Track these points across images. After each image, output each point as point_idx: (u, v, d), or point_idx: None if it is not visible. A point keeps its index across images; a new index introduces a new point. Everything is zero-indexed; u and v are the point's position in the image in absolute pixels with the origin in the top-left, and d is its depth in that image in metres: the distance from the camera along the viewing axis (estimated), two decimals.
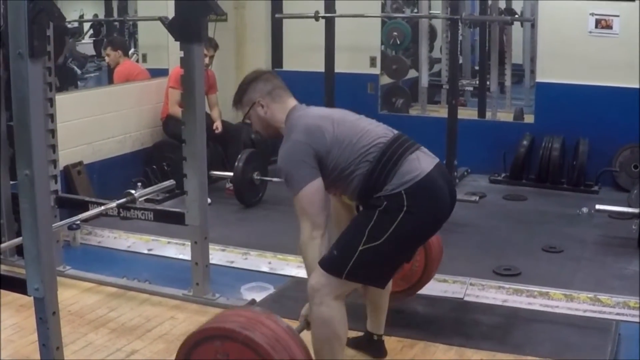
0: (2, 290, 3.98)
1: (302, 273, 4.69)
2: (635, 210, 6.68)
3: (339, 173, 3.80)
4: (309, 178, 3.75)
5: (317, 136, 3.81)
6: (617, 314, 5.24)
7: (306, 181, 3.74)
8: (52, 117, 5.39)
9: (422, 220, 3.75)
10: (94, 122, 7.71)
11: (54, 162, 5.54)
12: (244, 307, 3.87)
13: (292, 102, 4.08)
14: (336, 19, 8.59)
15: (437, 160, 3.91)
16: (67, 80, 9.26)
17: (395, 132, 3.96)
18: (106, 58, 8.85)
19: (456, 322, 5.12)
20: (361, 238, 3.69)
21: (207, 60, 8.04)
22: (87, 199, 6.03)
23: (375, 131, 3.89)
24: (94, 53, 10.89)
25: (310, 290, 3.77)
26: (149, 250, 6.64)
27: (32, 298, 3.61)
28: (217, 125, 8.38)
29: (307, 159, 3.77)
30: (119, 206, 5.59)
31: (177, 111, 7.17)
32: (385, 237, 3.66)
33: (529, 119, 9.67)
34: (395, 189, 3.69)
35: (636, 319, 5.15)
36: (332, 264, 3.73)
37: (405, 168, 3.74)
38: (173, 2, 5.03)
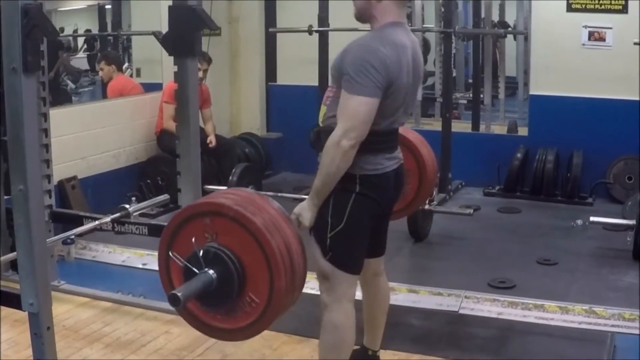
0: None
1: None
2: (630, 222, 6.68)
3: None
4: (369, 92, 3.56)
5: (396, 72, 3.66)
6: (613, 325, 5.23)
7: (365, 93, 3.56)
8: (46, 131, 5.39)
9: (371, 203, 3.79)
10: (88, 136, 7.71)
11: (48, 177, 5.53)
12: (235, 188, 3.79)
13: (401, 16, 3.87)
14: (330, 33, 8.61)
15: (401, 162, 3.99)
16: (59, 97, 9.24)
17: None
18: (100, 72, 8.85)
19: (451, 335, 5.12)
20: (326, 227, 3.74)
21: (200, 74, 8.04)
22: (81, 213, 6.02)
23: (399, 115, 3.85)
24: (88, 67, 10.89)
25: (320, 298, 3.85)
26: (144, 264, 6.62)
27: (26, 313, 3.61)
28: (211, 140, 8.38)
29: (383, 74, 3.58)
30: (113, 221, 5.57)
31: (171, 126, 7.16)
32: (345, 219, 3.71)
33: (522, 131, 9.68)
34: (354, 170, 3.70)
35: (632, 331, 5.15)
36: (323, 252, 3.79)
37: (376, 159, 3.78)
38: (167, 16, 5.03)
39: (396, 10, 3.82)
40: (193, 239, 3.37)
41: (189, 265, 3.37)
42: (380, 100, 3.60)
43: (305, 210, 3.75)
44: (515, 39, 11.98)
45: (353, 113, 3.56)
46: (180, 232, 3.43)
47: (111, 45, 10.15)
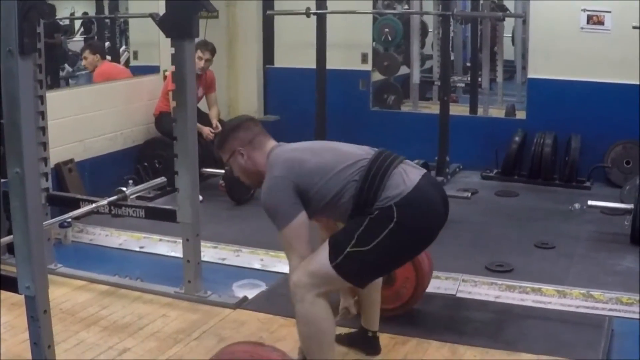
0: None
1: None
2: (628, 206, 6.69)
3: (327, 201, 3.80)
4: (293, 213, 3.74)
5: (296, 168, 3.81)
6: (610, 309, 5.24)
7: (291, 217, 3.74)
8: (42, 114, 5.37)
9: (412, 233, 3.75)
10: (85, 119, 7.69)
11: (45, 160, 5.52)
12: (248, 342, 3.82)
13: (271, 143, 4.06)
14: (327, 15, 8.59)
15: (423, 171, 3.91)
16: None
17: (377, 149, 3.97)
18: (83, 61, 8.82)
19: (449, 318, 5.12)
20: (350, 240, 3.70)
21: (202, 63, 8.01)
22: (78, 196, 6.02)
23: (357, 153, 3.90)
24: None
25: (292, 286, 3.77)
26: (141, 247, 6.62)
27: (23, 296, 3.59)
28: (217, 124, 8.31)
29: (289, 193, 3.76)
30: (110, 204, 5.57)
31: None
32: (373, 244, 3.66)
33: (520, 115, 9.67)
34: (386, 203, 3.69)
35: (629, 315, 5.16)
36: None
37: (393, 182, 3.74)
38: None
39: (265, 141, 4.05)
40: None
41: None
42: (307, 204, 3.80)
43: None
44: (514, 22, 11.96)
45: (295, 240, 3.80)
46: None
47: (108, 28, 10.12)
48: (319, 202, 3.80)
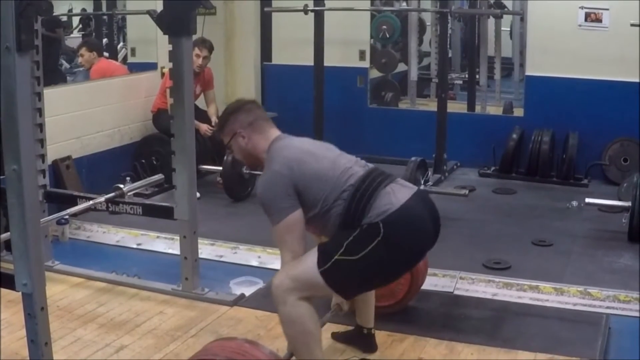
0: None
1: None
2: (625, 204, 6.68)
3: (317, 210, 3.80)
4: (289, 210, 3.75)
5: (297, 169, 3.81)
6: (608, 307, 5.24)
7: (286, 213, 3.74)
8: (40, 111, 5.37)
9: (399, 251, 3.74)
10: (83, 116, 7.68)
11: (42, 157, 5.51)
12: (227, 338, 3.84)
13: (274, 132, 4.07)
14: (325, 12, 8.58)
15: (414, 189, 3.91)
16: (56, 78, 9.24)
17: (371, 166, 3.97)
18: (80, 58, 8.80)
19: (446, 316, 5.12)
20: (339, 249, 3.69)
21: (200, 61, 8.00)
22: (75, 193, 6.02)
23: (352, 168, 3.88)
24: None
25: (274, 289, 3.78)
26: (138, 244, 6.62)
27: (20, 293, 3.59)
28: (215, 121, 8.28)
29: (286, 190, 3.76)
30: (107, 201, 5.57)
31: None
32: (361, 255, 3.66)
33: (518, 112, 9.69)
34: (372, 221, 3.69)
35: (627, 313, 5.17)
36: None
37: (380, 202, 3.73)
38: None
39: (267, 127, 4.07)
40: None
41: None
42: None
43: None
44: (511, 19, 11.97)
45: (288, 236, 3.80)
46: None
47: (106, 25, 10.11)
48: (311, 210, 3.80)
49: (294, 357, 3.89)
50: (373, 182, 3.80)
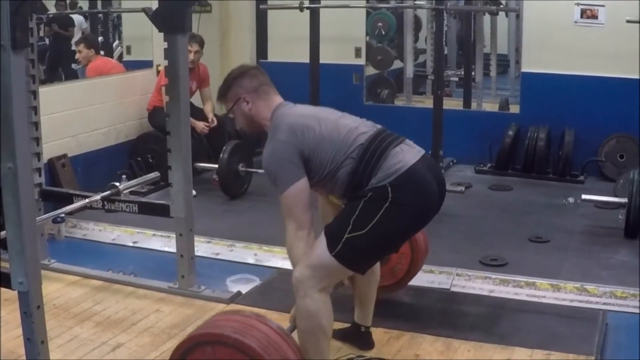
0: None
1: (287, 265, 4.66)
2: (622, 200, 6.68)
3: (325, 172, 3.79)
4: (294, 178, 3.73)
5: (301, 135, 3.80)
6: (604, 303, 5.25)
7: (291, 181, 3.73)
8: (35, 109, 5.36)
9: (407, 212, 3.74)
10: (78, 114, 7.67)
11: (38, 155, 5.51)
12: (234, 311, 3.85)
13: (277, 99, 4.07)
14: (321, 9, 8.58)
15: (422, 152, 3.91)
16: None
17: (378, 126, 3.97)
18: (77, 55, 8.79)
19: (443, 312, 5.12)
20: (347, 227, 3.69)
21: (192, 56, 7.97)
22: (71, 191, 6.00)
23: (358, 128, 3.88)
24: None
25: (295, 282, 3.76)
26: (134, 242, 6.61)
27: (16, 292, 3.58)
28: (212, 119, 8.29)
29: (292, 158, 3.76)
30: (103, 199, 5.56)
31: None
32: (370, 227, 3.66)
33: (514, 109, 9.67)
34: (380, 182, 3.69)
35: (623, 309, 5.17)
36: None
37: (389, 162, 3.74)
38: None
39: (271, 94, 4.11)
40: None
41: None
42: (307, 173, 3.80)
43: None
44: (507, 16, 11.96)
45: (294, 205, 3.77)
46: None
47: (102, 23, 10.10)
48: (318, 173, 3.80)
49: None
50: (383, 142, 3.81)
